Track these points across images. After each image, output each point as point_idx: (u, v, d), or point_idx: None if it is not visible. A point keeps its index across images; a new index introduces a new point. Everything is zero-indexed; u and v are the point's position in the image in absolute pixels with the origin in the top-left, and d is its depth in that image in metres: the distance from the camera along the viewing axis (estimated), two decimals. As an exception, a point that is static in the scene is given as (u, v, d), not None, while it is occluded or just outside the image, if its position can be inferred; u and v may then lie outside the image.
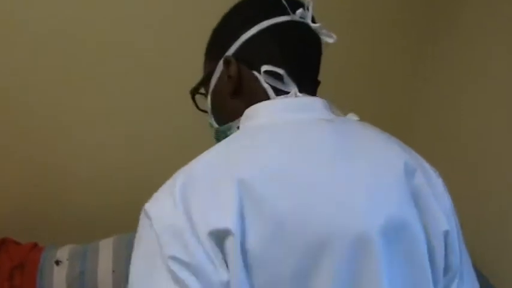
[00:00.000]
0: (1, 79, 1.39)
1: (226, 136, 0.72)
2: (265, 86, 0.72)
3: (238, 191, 0.58)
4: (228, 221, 0.56)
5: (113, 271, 1.25)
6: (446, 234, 0.66)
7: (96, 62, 1.43)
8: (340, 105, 0.77)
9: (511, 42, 1.32)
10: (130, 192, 1.33)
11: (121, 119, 1.53)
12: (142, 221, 0.62)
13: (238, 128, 0.73)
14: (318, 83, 0.80)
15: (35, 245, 1.33)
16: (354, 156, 0.65)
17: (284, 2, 0.74)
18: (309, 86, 0.75)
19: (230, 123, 0.76)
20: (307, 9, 0.75)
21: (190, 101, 0.84)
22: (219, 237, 0.57)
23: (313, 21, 0.76)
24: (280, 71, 0.71)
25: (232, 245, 0.56)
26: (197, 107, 0.84)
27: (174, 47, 1.46)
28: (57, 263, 1.25)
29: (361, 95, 1.54)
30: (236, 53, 0.74)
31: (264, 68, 0.71)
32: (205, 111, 0.83)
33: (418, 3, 1.58)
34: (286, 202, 0.59)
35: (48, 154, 1.53)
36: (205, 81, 0.80)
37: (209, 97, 0.80)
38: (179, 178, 0.62)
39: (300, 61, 0.74)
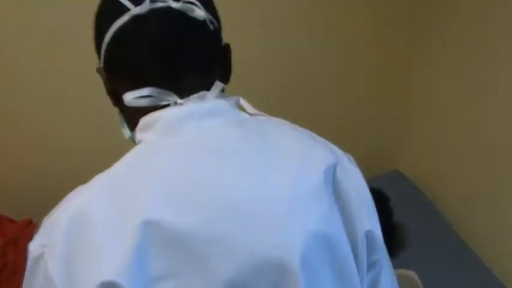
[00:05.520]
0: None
1: None
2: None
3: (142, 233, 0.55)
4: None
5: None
6: (368, 233, 0.63)
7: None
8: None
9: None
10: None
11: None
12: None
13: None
14: (217, 72, 0.69)
15: (30, 221, 1.34)
16: (268, 167, 0.60)
17: None
18: (197, 84, 0.65)
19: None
20: None
21: None
22: None
23: None
24: (145, 91, 0.62)
25: None
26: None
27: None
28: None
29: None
30: (105, 69, 0.67)
31: (127, 97, 0.63)
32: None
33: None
34: (199, 230, 0.55)
35: (48, 135, 1.54)
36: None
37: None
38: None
39: (171, 61, 0.63)
